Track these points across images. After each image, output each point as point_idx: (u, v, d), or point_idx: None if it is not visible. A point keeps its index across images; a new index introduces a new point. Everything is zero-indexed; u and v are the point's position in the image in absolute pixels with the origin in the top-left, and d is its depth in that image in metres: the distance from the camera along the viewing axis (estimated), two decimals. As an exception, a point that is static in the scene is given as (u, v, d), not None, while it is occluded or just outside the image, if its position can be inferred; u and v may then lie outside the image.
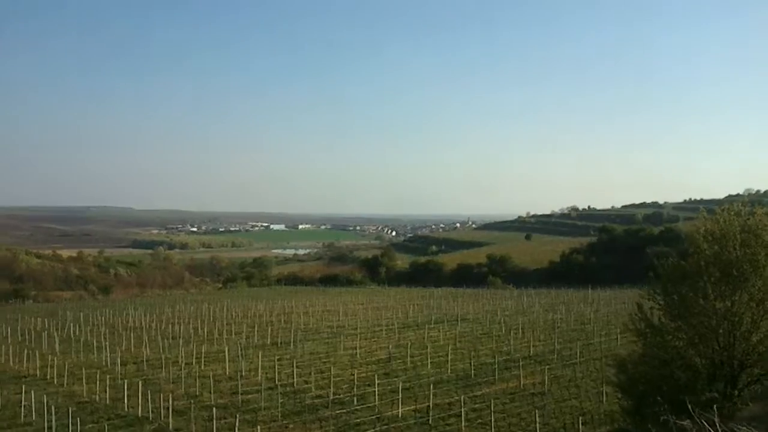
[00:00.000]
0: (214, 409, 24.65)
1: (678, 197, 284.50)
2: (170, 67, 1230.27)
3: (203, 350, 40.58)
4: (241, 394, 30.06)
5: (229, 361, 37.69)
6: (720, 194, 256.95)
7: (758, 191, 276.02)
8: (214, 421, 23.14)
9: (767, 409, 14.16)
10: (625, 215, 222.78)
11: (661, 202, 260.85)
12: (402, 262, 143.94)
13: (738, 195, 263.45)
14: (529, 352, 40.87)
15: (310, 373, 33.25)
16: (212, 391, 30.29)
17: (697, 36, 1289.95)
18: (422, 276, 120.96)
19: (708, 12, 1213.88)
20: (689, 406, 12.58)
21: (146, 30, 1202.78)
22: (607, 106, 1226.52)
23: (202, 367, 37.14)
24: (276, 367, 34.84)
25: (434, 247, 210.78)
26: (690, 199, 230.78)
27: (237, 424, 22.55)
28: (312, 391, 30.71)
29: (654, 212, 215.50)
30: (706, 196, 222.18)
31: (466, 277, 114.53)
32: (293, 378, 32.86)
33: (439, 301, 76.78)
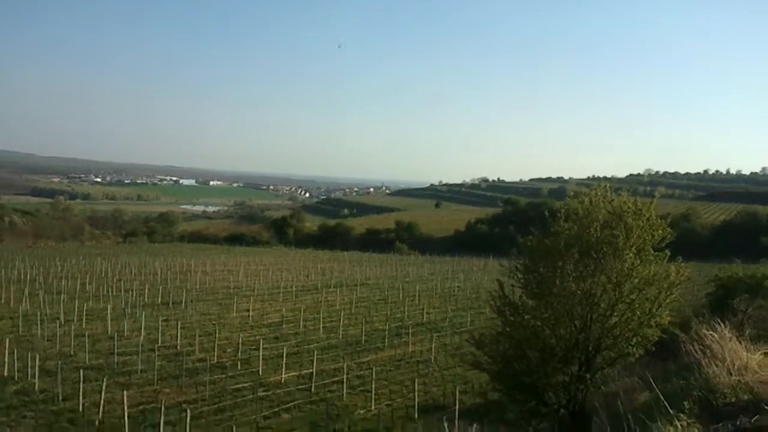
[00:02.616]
0: (81, 370, 23.40)
1: (584, 174, 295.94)
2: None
3: (86, 307, 38.68)
4: (118, 354, 28.84)
5: (112, 319, 36.13)
6: (622, 173, 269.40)
7: (657, 172, 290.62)
8: (81, 383, 21.99)
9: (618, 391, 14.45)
10: (531, 188, 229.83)
11: (566, 177, 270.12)
12: (312, 224, 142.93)
13: (639, 174, 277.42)
14: (422, 319, 41.40)
15: (195, 335, 32.22)
16: (87, 351, 28.93)
17: (618, 18, 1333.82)
18: (331, 239, 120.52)
19: None
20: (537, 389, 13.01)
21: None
22: (529, 85, 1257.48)
23: (83, 325, 35.37)
24: (160, 327, 33.61)
25: (346, 211, 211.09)
26: (593, 176, 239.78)
27: (104, 386, 21.58)
28: (195, 354, 29.82)
29: (559, 187, 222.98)
30: (609, 174, 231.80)
31: (373, 242, 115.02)
32: (177, 340, 31.85)
33: (343, 265, 76.68)
